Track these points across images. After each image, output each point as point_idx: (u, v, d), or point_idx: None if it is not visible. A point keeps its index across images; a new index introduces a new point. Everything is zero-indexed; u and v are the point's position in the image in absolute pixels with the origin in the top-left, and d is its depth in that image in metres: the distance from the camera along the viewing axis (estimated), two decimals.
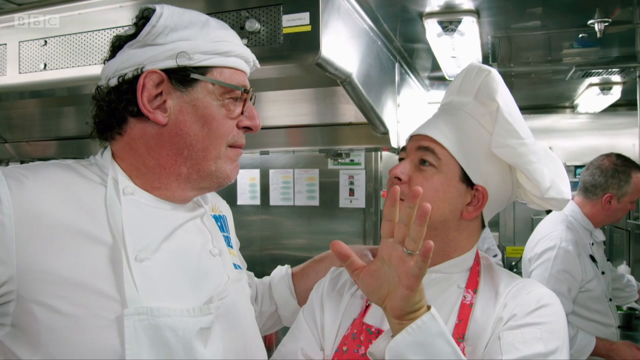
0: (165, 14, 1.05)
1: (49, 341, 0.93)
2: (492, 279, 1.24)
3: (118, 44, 1.12)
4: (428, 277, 1.21)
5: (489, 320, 1.14)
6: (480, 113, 1.26)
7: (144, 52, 1.07)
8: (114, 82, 1.09)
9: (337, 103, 2.66)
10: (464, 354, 1.10)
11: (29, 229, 0.94)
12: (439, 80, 3.48)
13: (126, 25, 1.85)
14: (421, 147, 1.24)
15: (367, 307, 1.29)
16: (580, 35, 2.49)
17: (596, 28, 2.28)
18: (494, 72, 1.25)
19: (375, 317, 1.26)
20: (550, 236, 2.57)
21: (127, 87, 1.07)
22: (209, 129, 1.09)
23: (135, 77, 1.07)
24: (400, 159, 1.31)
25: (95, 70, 1.88)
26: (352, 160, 5.15)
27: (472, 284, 1.22)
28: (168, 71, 1.07)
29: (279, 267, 1.63)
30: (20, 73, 1.96)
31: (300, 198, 5.44)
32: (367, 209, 5.40)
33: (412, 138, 1.30)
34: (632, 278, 3.05)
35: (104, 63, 1.14)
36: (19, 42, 1.96)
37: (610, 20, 2.25)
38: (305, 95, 2.50)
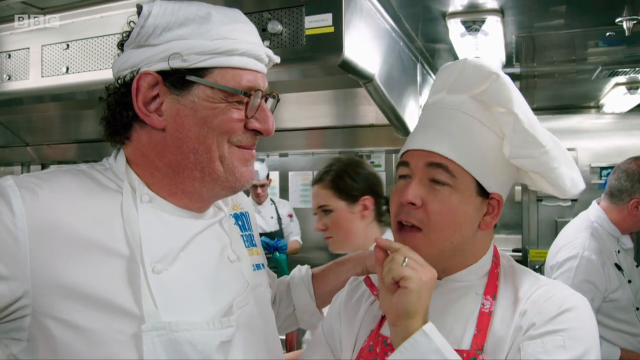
0: (154, 13, 0.98)
1: (65, 356, 0.91)
2: (512, 282, 1.16)
3: (122, 41, 1.06)
4: (445, 285, 1.17)
5: (508, 330, 1.07)
6: (479, 111, 1.14)
7: (140, 53, 1.01)
8: (117, 83, 1.05)
9: (358, 105, 2.64)
10: None
11: (43, 242, 0.91)
12: None
13: None
14: (432, 164, 1.11)
15: (384, 317, 1.23)
16: (607, 34, 2.44)
17: (624, 26, 2.23)
18: (503, 76, 1.11)
19: None
20: (572, 244, 2.48)
21: (125, 90, 1.02)
22: (208, 128, 1.02)
23: (132, 79, 1.01)
24: (401, 176, 1.18)
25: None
26: (372, 163, 5.12)
27: (491, 289, 1.15)
28: (163, 73, 1.00)
29: (298, 266, 1.59)
30: (42, 77, 1.97)
31: None
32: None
33: (413, 153, 1.15)
34: None
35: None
36: (42, 45, 1.96)
37: (639, 17, 2.19)
38: (326, 96, 2.48)
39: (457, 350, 1.03)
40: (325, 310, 1.52)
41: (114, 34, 1.88)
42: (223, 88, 1.02)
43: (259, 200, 4.94)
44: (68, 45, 1.92)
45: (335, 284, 1.48)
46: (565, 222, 2.79)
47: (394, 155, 5.11)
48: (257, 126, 1.07)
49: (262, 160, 4.93)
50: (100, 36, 1.90)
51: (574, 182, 1.16)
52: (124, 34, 1.06)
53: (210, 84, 1.01)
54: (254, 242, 1.30)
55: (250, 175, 1.10)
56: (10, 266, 0.90)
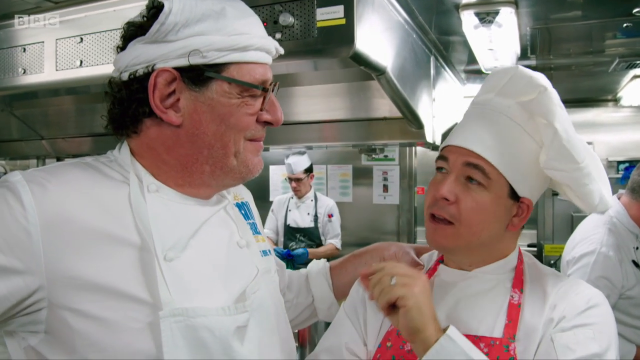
0: (175, 10, 0.98)
1: (84, 347, 0.93)
2: (538, 278, 1.22)
3: (129, 34, 1.05)
4: (475, 278, 1.24)
5: (539, 321, 1.13)
6: (524, 118, 1.19)
7: (155, 49, 1.00)
8: (125, 77, 1.04)
9: (371, 97, 2.62)
10: (515, 354, 1.11)
11: (55, 235, 0.93)
12: (475, 73, 3.40)
13: None
14: (469, 164, 1.17)
15: None
16: (625, 25, 2.39)
17: None
18: (551, 90, 1.15)
19: None
20: (590, 239, 2.45)
21: (139, 86, 1.02)
22: (226, 126, 1.04)
23: (147, 75, 1.01)
24: (439, 168, 1.25)
25: None
26: (386, 156, 5.12)
27: (518, 284, 1.21)
28: (180, 69, 1.01)
29: (314, 260, 1.60)
30: (57, 70, 1.99)
31: (334, 194, 5.45)
32: (401, 206, 5.38)
33: (453, 149, 1.22)
34: None
35: (117, 52, 1.08)
36: (56, 39, 1.98)
37: None
38: (338, 89, 2.47)
39: (490, 338, 1.13)
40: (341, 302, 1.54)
41: None
42: (241, 83, 1.03)
43: (297, 194, 4.81)
44: (82, 38, 1.93)
45: (354, 275, 1.50)
46: (582, 217, 2.76)
47: (407, 148, 5.11)
48: (268, 118, 1.10)
49: (302, 153, 4.74)
50: (114, 30, 1.91)
51: (602, 200, 1.20)
52: (130, 28, 1.05)
53: (228, 79, 1.02)
54: (258, 230, 1.32)
55: (260, 165, 1.13)
56: (25, 260, 0.91)
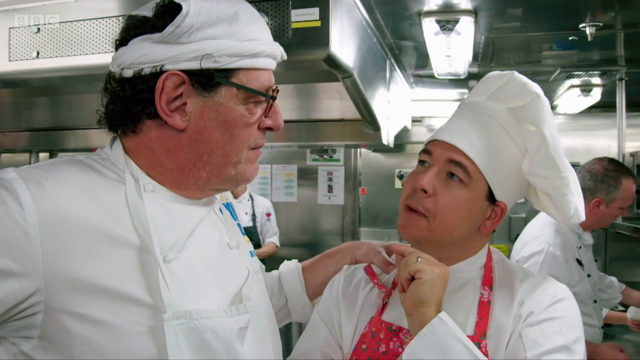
0: (192, 12, 0.95)
1: (83, 351, 0.89)
2: (505, 275, 1.26)
3: (134, 32, 1.01)
4: None
5: (508, 318, 1.17)
6: (511, 124, 1.23)
7: (165, 50, 0.97)
8: (128, 73, 0.99)
9: (325, 99, 2.65)
10: (486, 351, 1.14)
11: (54, 235, 0.89)
12: (424, 77, 3.51)
13: (121, 15, 1.80)
14: (452, 161, 1.20)
15: (384, 305, 1.31)
16: (571, 38, 2.54)
17: (587, 32, 2.33)
18: (543, 98, 1.18)
19: (393, 315, 1.28)
20: (538, 239, 2.58)
21: (144, 86, 0.99)
22: (230, 136, 1.03)
23: (153, 75, 0.98)
24: (421, 162, 1.27)
25: (90, 60, 1.82)
26: (331, 157, 5.15)
27: (487, 281, 1.25)
28: (189, 72, 0.98)
29: (286, 261, 1.60)
30: (10, 61, 1.88)
31: (279, 194, 5.43)
32: (345, 206, 5.43)
33: (439, 143, 1.24)
34: (614, 279, 3.07)
35: (115, 45, 1.04)
36: (9, 28, 1.87)
37: (601, 24, 2.30)
38: (295, 90, 2.47)
39: None
40: (314, 302, 1.55)
41: (88, 19, 1.82)
42: (250, 90, 1.02)
43: (233, 194, 4.80)
44: (39, 28, 1.84)
45: (326, 275, 1.51)
46: (519, 218, 2.88)
47: (352, 150, 5.17)
48: (269, 123, 1.09)
49: None
50: (74, 21, 1.83)
51: (576, 212, 1.24)
52: (134, 23, 1.01)
53: (238, 86, 1.01)
54: (242, 232, 1.30)
55: (256, 171, 1.12)
56: (22, 262, 0.87)
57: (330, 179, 5.34)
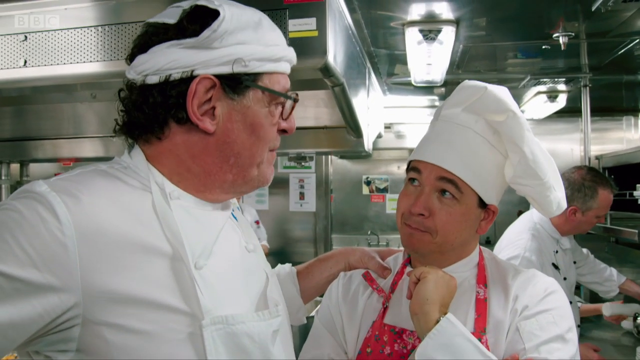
0: (227, 18, 0.97)
1: None
2: (498, 272, 1.33)
3: (157, 38, 1.00)
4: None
5: (505, 313, 1.24)
6: (489, 132, 1.27)
7: (195, 55, 0.98)
8: (153, 80, 0.99)
9: (307, 107, 2.66)
10: (487, 346, 1.20)
11: (91, 248, 0.89)
12: (398, 85, 3.59)
13: (105, 24, 1.78)
14: (443, 178, 1.24)
15: (385, 309, 1.35)
16: (544, 47, 2.65)
17: (560, 41, 2.44)
18: (519, 115, 1.23)
19: (395, 317, 1.33)
20: (515, 244, 2.64)
21: (175, 92, 0.99)
22: (256, 137, 1.05)
23: (183, 80, 0.98)
24: (411, 179, 1.31)
25: (77, 69, 1.79)
26: (302, 164, 5.16)
27: (482, 279, 1.32)
28: (220, 76, 1.00)
29: (280, 265, 1.60)
30: None
31: (250, 202, 5.40)
32: (317, 213, 5.45)
33: (426, 164, 1.27)
34: (614, 272, 3.13)
35: (132, 53, 1.04)
36: None
37: (573, 34, 2.41)
38: None
39: None
40: (307, 306, 1.57)
41: (75, 28, 1.79)
42: (275, 93, 1.05)
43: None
44: (26, 36, 1.81)
45: (320, 279, 1.54)
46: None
47: (323, 157, 5.20)
48: (285, 126, 1.12)
49: None
50: (60, 29, 1.80)
51: (559, 206, 1.33)
52: (156, 30, 1.01)
53: (264, 88, 1.04)
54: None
55: (272, 174, 1.14)
56: (61, 277, 0.86)
57: (302, 186, 5.37)
